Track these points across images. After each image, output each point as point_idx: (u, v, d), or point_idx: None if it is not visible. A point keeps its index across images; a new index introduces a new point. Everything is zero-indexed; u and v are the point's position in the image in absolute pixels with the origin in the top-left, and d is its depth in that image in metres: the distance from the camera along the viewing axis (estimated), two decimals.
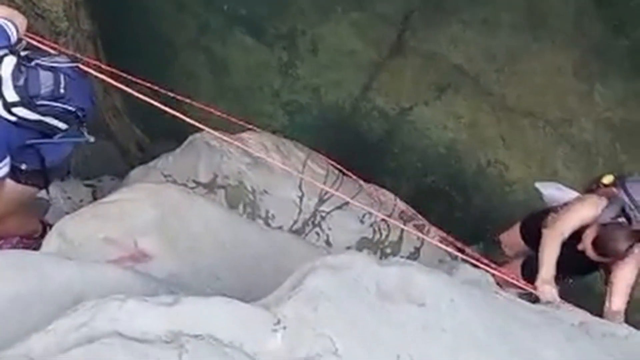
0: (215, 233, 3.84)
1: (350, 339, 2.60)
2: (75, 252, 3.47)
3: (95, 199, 5.07)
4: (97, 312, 2.40)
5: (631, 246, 4.08)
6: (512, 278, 4.18)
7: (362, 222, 4.98)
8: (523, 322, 3.04)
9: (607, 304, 4.14)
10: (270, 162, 4.88)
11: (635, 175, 4.42)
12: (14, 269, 2.88)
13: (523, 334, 2.95)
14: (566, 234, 4.19)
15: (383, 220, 5.03)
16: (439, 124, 6.28)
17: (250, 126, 4.96)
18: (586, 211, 4.22)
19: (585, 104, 6.46)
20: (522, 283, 4.13)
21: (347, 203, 5.00)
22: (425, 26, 6.46)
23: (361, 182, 5.14)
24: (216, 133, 4.05)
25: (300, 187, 4.92)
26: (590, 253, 4.17)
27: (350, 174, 4.90)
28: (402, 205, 5.28)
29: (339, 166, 5.01)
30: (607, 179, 4.41)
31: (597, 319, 3.92)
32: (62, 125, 3.58)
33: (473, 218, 6.02)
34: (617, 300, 4.12)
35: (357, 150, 5.88)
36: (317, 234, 4.82)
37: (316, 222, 4.86)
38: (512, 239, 4.92)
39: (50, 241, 3.69)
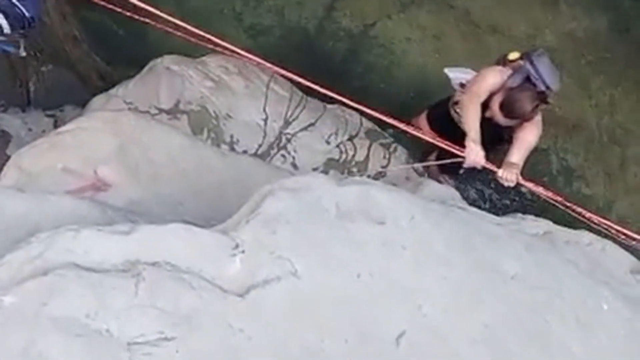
0: (177, 160, 3.79)
1: (310, 261, 2.60)
2: (33, 184, 3.42)
3: (57, 129, 4.98)
4: (51, 244, 2.38)
5: (537, 106, 4.22)
6: (438, 141, 4.42)
7: (328, 142, 4.94)
8: (484, 234, 3.06)
9: (505, 158, 4.30)
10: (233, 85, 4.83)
11: (540, 50, 4.49)
12: None
13: (484, 246, 2.97)
14: (482, 96, 4.31)
15: (349, 140, 5.00)
16: (403, 39, 6.17)
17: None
18: (492, 77, 4.35)
19: (550, 16, 6.38)
20: (456, 149, 4.26)
21: (313, 124, 4.96)
22: None
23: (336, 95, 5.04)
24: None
25: (264, 110, 4.84)
26: (499, 117, 4.30)
27: (317, 88, 4.79)
28: (368, 124, 5.23)
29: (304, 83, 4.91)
30: (513, 55, 4.53)
31: (561, 227, 3.98)
32: (6, 28, 3.52)
33: None
34: (515, 154, 4.28)
35: (322, 70, 5.77)
36: (283, 156, 4.78)
37: (282, 144, 4.81)
38: (420, 124, 5.02)
39: (8, 174, 3.62)
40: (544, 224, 3.92)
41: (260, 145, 4.74)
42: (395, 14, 6.28)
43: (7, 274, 2.30)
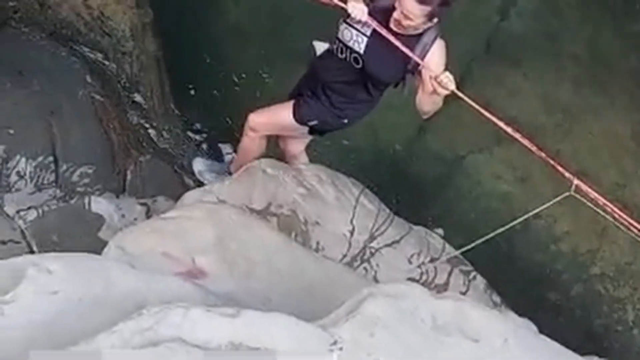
0: (272, 259, 3.92)
1: None
2: (135, 264, 3.57)
3: (148, 218, 5.16)
4: (162, 318, 2.48)
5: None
6: None
7: (410, 262, 5.00)
8: None
9: None
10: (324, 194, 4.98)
11: None
12: (81, 272, 2.97)
13: None
14: None
15: (431, 262, 5.05)
16: (493, 174, 6.29)
17: None
18: None
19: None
20: None
21: (397, 242, 5.04)
22: (485, 75, 6.52)
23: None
24: None
25: (351, 222, 4.96)
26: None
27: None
28: (450, 249, 5.29)
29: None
30: None
31: None
32: None
33: (519, 270, 6.00)
34: None
35: (409, 192, 5.92)
36: (365, 269, 4.85)
37: (365, 257, 4.89)
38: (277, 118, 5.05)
39: (109, 253, 3.79)
40: None
41: (344, 256, 4.84)
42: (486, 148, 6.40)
43: (119, 341, 2.41)
